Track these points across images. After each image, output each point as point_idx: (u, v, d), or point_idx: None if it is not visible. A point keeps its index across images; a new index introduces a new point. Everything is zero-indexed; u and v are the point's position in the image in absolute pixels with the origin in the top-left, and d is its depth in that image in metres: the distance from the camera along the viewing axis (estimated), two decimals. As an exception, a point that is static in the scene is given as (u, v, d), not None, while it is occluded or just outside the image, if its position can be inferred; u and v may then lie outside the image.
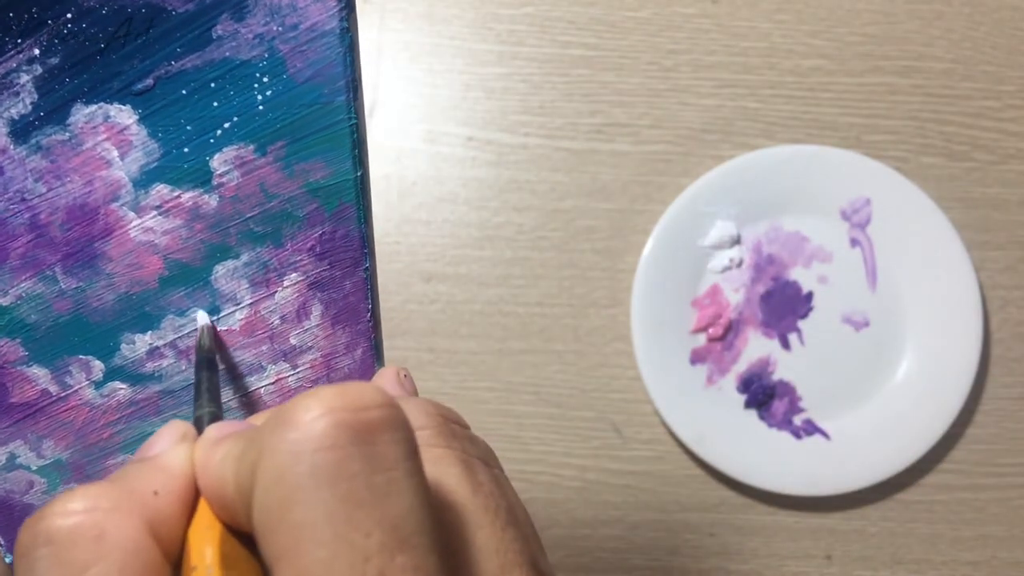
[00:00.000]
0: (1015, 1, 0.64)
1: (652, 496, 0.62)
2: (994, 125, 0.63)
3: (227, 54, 0.25)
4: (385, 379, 0.28)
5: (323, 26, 0.25)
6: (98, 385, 0.30)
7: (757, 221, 0.62)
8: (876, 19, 0.64)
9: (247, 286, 0.29)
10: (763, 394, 0.61)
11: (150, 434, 0.28)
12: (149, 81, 0.26)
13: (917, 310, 0.61)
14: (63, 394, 0.30)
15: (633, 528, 0.62)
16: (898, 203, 0.61)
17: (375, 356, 0.31)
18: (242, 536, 0.19)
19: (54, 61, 0.25)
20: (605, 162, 0.63)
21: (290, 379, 0.31)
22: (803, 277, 0.62)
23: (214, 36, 0.25)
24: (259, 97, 0.26)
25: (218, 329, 0.30)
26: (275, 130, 0.26)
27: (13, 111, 0.25)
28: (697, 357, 0.61)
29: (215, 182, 0.27)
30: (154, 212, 0.27)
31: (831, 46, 0.63)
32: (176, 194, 0.27)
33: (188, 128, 0.26)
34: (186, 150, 0.27)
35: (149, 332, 0.29)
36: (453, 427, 0.23)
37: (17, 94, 0.25)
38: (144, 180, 0.27)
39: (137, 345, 0.30)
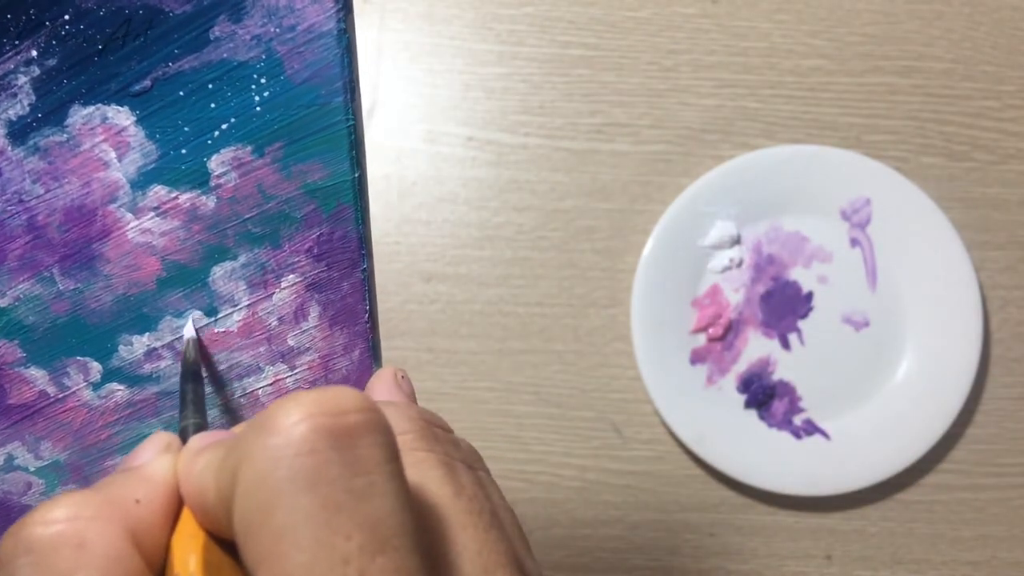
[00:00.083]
0: (1015, 1, 0.64)
1: (652, 496, 0.62)
2: (994, 125, 0.63)
3: (225, 55, 0.25)
4: (382, 380, 0.28)
5: (320, 27, 0.25)
6: (96, 386, 0.30)
7: (757, 221, 0.61)
8: (876, 19, 0.63)
9: (245, 287, 0.29)
10: (763, 394, 0.61)
11: (148, 436, 0.28)
12: (147, 82, 0.26)
13: (917, 310, 0.61)
14: (61, 395, 0.30)
15: (633, 528, 0.62)
16: (898, 203, 0.61)
17: (373, 357, 0.31)
18: (226, 545, 0.19)
19: (52, 62, 0.25)
20: (605, 162, 0.63)
21: (288, 380, 0.31)
22: (803, 277, 0.62)
23: (212, 37, 0.25)
24: (257, 98, 0.26)
25: (216, 330, 0.30)
26: (273, 131, 0.26)
27: (11, 112, 0.25)
28: (697, 357, 0.61)
29: (213, 183, 0.27)
30: (152, 213, 0.27)
31: (831, 46, 0.63)
32: (174, 195, 0.27)
33: (186, 129, 0.26)
34: (184, 151, 0.27)
35: (147, 334, 0.29)
36: (435, 431, 0.23)
37: (15, 95, 0.25)
38: (142, 181, 0.27)
39: (135, 346, 0.30)
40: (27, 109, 0.25)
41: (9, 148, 0.26)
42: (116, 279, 0.28)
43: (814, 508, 0.63)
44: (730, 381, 0.62)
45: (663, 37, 0.63)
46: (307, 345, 0.30)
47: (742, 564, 0.63)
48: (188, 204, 0.27)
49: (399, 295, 0.63)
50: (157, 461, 0.21)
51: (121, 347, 0.29)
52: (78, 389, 0.30)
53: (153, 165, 0.27)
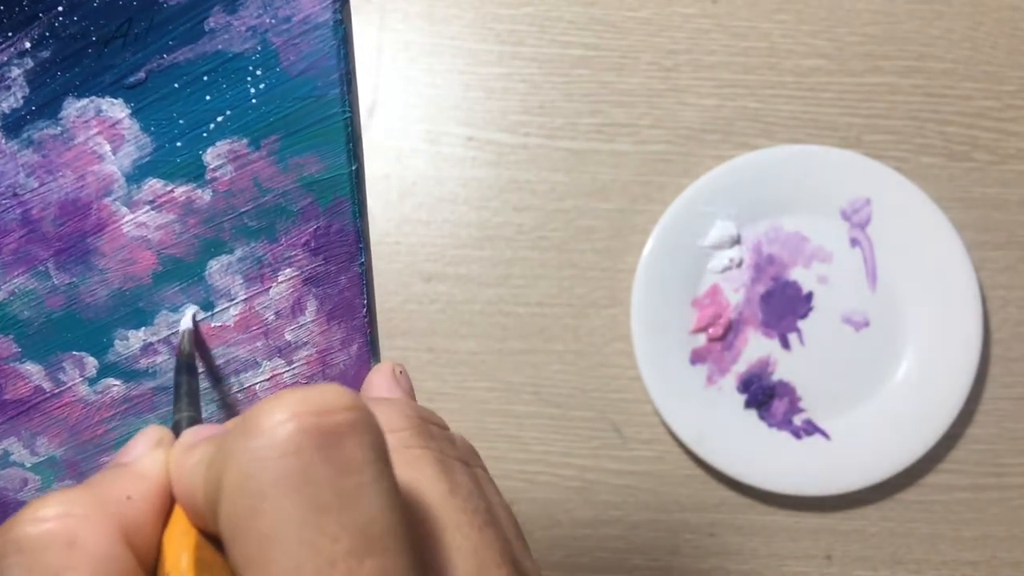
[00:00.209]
0: (1015, 1, 0.63)
1: (652, 496, 0.62)
2: (994, 125, 0.63)
3: (220, 47, 0.25)
4: (380, 374, 0.28)
5: (316, 18, 0.25)
6: (92, 381, 0.30)
7: (757, 221, 0.61)
8: (876, 19, 0.63)
9: (241, 281, 0.29)
10: (763, 394, 0.61)
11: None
12: (141, 75, 0.25)
13: (917, 310, 0.61)
14: (57, 391, 0.30)
15: (633, 528, 0.62)
16: (898, 203, 0.60)
17: (371, 352, 0.31)
18: (218, 542, 0.19)
19: (45, 54, 0.25)
20: (605, 162, 0.63)
21: (285, 375, 0.31)
22: (803, 277, 0.62)
23: (206, 29, 0.25)
24: (252, 90, 0.26)
25: (212, 325, 0.30)
26: (268, 124, 0.26)
27: (4, 105, 0.25)
28: (697, 357, 0.61)
29: (208, 176, 0.27)
30: (147, 207, 0.27)
31: (831, 46, 0.63)
32: (169, 189, 0.27)
33: (181, 122, 0.26)
34: (179, 144, 0.26)
35: (143, 328, 0.29)
36: (431, 428, 0.23)
37: (8, 88, 0.25)
38: (137, 175, 0.27)
39: (131, 341, 0.29)
40: (21, 102, 0.25)
41: (3, 141, 0.26)
42: (111, 273, 0.28)
43: (814, 508, 0.62)
44: (730, 381, 0.61)
45: (663, 37, 0.63)
46: (304, 340, 0.30)
47: (742, 564, 0.62)
48: (184, 197, 0.27)
49: (399, 295, 0.62)
50: (148, 457, 0.20)
51: (117, 342, 0.29)
52: (74, 384, 0.30)
53: (148, 158, 0.27)
